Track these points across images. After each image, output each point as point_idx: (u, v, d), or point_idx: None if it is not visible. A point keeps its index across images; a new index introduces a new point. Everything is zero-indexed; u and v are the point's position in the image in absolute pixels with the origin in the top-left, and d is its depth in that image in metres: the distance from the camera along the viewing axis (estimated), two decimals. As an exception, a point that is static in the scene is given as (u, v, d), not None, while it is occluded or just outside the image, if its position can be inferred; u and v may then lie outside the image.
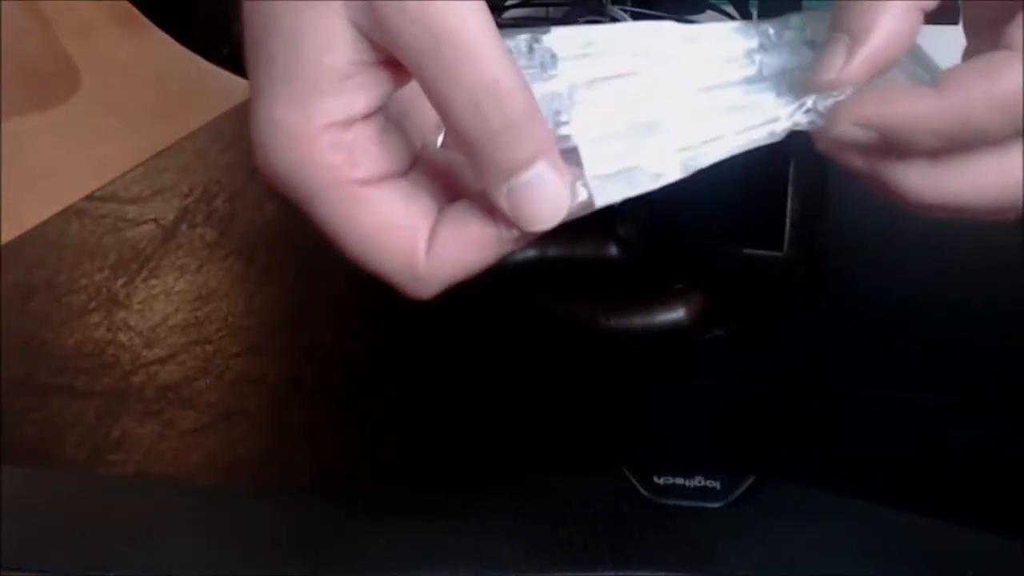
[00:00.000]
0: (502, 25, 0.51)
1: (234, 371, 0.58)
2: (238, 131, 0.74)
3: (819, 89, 0.37)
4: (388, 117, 0.37)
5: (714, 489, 0.48)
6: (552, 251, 0.59)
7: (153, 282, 0.63)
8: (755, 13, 0.48)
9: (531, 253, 0.59)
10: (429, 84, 0.34)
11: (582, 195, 0.36)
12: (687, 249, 0.59)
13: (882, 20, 0.37)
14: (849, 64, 0.37)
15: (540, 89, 0.37)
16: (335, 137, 0.35)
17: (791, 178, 0.52)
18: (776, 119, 0.39)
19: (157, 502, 0.50)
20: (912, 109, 0.35)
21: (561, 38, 0.38)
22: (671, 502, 0.47)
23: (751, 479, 0.48)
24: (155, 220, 0.68)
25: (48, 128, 0.76)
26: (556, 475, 0.49)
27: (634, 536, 0.46)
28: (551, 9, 0.52)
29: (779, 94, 0.39)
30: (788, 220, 0.57)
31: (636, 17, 0.46)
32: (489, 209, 0.36)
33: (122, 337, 0.60)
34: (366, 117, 0.36)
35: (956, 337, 0.56)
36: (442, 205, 0.37)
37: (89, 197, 0.70)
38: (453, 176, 0.38)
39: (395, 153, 0.37)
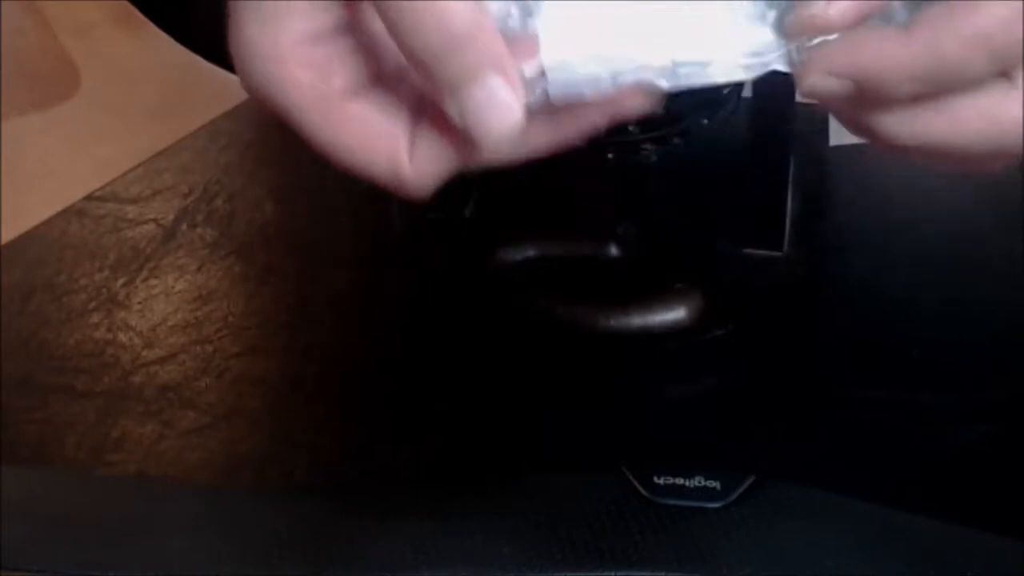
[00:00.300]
0: None
1: (234, 371, 0.58)
2: (238, 131, 0.74)
3: (801, 28, 0.35)
4: (365, 36, 0.38)
5: (714, 489, 0.48)
6: (552, 251, 0.59)
7: (153, 282, 0.63)
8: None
9: (531, 253, 0.59)
10: (379, 7, 0.35)
11: (538, 89, 0.35)
12: (687, 249, 0.59)
13: None
14: (833, 4, 0.34)
15: None
16: (305, 53, 0.36)
17: (791, 178, 0.52)
18: (761, 53, 0.36)
19: (157, 502, 0.50)
20: (882, 53, 0.34)
21: None
22: (671, 502, 0.47)
23: (751, 479, 0.48)
24: (155, 220, 0.68)
25: (48, 128, 0.76)
26: (556, 475, 0.49)
27: (634, 536, 0.46)
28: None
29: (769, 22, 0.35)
30: (788, 220, 0.57)
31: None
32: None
33: (122, 337, 0.60)
34: (335, 33, 0.37)
35: (955, 337, 0.56)
36: (415, 114, 0.37)
37: (89, 197, 0.70)
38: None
39: (367, 66, 0.38)
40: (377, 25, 0.37)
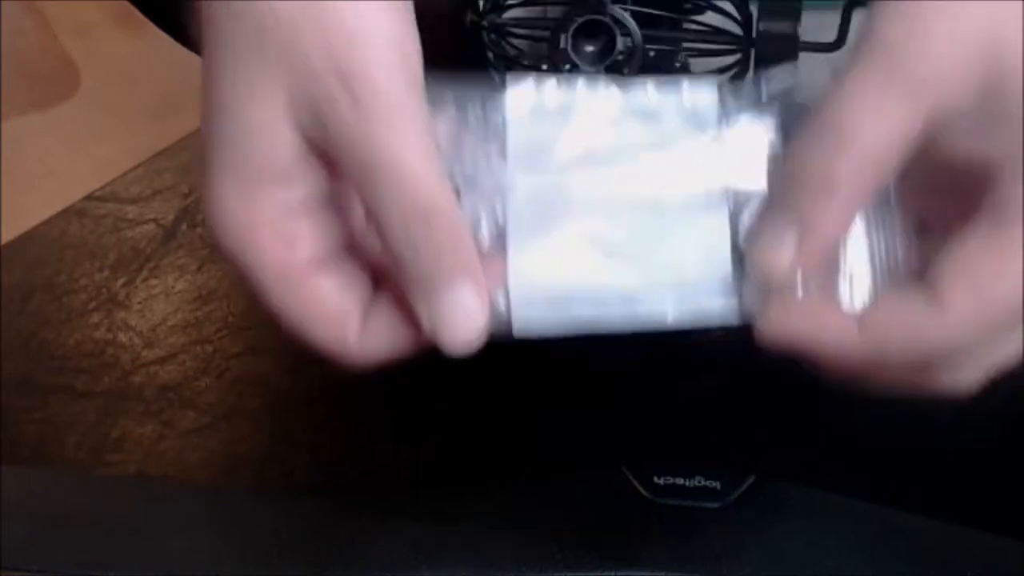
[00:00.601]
0: (502, 26, 0.51)
1: (234, 371, 0.58)
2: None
3: (767, 271, 0.38)
4: (327, 196, 0.39)
5: (714, 489, 0.48)
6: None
7: (153, 282, 0.63)
8: (755, 13, 0.48)
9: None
10: (366, 199, 0.36)
11: (500, 308, 0.37)
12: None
13: (837, 214, 0.37)
14: (800, 255, 0.37)
15: (484, 180, 0.38)
16: (275, 225, 0.37)
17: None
18: (715, 307, 0.38)
19: (157, 502, 0.50)
20: (836, 342, 0.37)
21: (515, 97, 0.39)
22: (671, 502, 0.47)
23: (751, 479, 0.48)
24: (155, 220, 0.68)
25: (48, 128, 0.76)
26: (556, 475, 0.49)
27: (634, 536, 0.46)
28: (549, 8, 0.52)
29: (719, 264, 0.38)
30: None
31: (636, 16, 0.46)
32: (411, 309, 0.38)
33: (122, 337, 0.60)
34: (307, 205, 0.38)
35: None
36: (375, 284, 0.39)
37: (89, 197, 0.70)
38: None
39: (331, 236, 0.39)
40: (354, 198, 0.39)
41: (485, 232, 0.38)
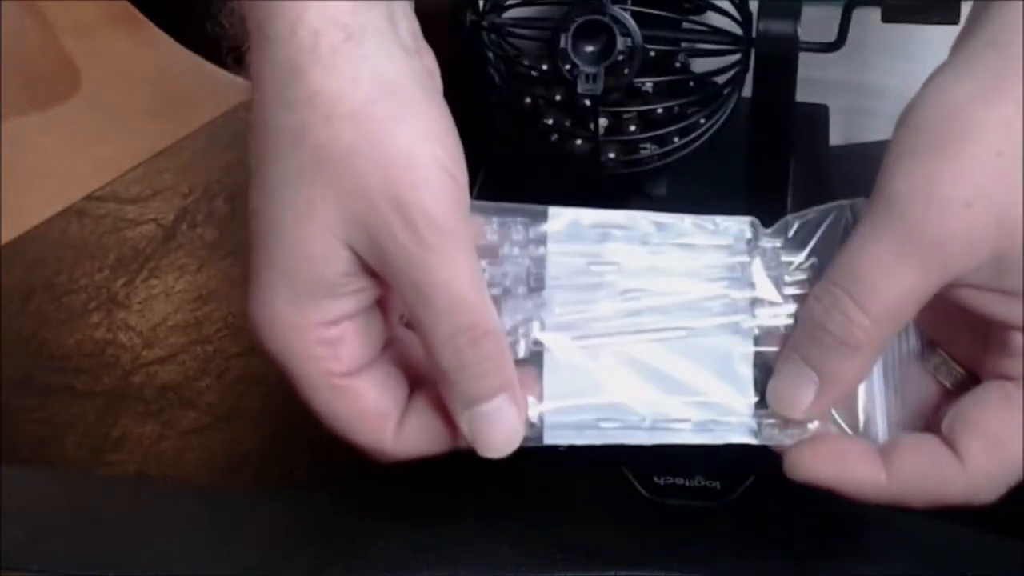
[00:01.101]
0: (502, 26, 0.51)
1: (234, 371, 0.58)
2: (238, 131, 0.74)
3: (786, 415, 0.41)
4: (371, 305, 0.42)
5: (714, 489, 0.47)
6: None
7: (153, 282, 0.63)
8: (755, 14, 0.48)
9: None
10: (416, 318, 0.39)
11: (533, 418, 0.41)
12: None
13: (854, 370, 0.40)
14: (817, 405, 0.40)
15: (521, 295, 0.42)
16: (322, 333, 0.40)
17: (791, 178, 0.52)
18: (735, 428, 0.42)
19: (157, 502, 0.50)
20: (861, 482, 0.40)
21: (556, 219, 0.42)
22: (671, 502, 0.47)
23: (751, 479, 0.48)
24: (155, 220, 0.68)
25: (48, 128, 0.76)
26: (556, 475, 0.49)
27: (634, 536, 0.46)
28: (549, 8, 0.52)
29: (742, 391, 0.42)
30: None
31: (636, 16, 0.46)
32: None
33: (122, 337, 0.60)
34: (355, 314, 0.40)
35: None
36: (413, 383, 0.42)
37: (89, 197, 0.70)
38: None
39: (373, 341, 0.41)
40: (394, 304, 0.42)
41: (522, 344, 0.42)
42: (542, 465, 0.49)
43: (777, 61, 0.48)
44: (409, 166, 0.38)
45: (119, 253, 0.65)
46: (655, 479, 0.48)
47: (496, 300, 0.41)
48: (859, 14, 0.48)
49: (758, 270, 0.42)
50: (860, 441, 0.41)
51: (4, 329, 0.60)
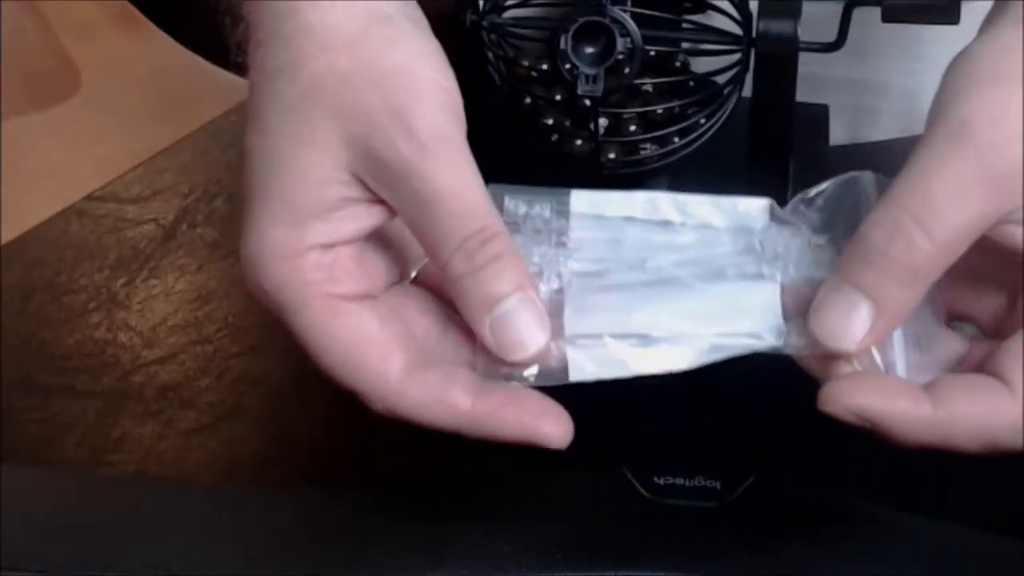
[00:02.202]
0: (502, 25, 0.51)
1: (234, 371, 0.58)
2: (238, 131, 0.74)
3: (834, 348, 0.39)
4: (382, 237, 0.41)
5: (714, 489, 0.48)
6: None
7: (153, 282, 0.63)
8: (755, 14, 0.48)
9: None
10: (421, 230, 0.39)
11: (555, 356, 0.40)
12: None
13: (911, 299, 0.39)
14: (872, 334, 0.39)
15: (542, 270, 0.42)
16: (319, 256, 0.39)
17: (791, 178, 0.52)
18: (760, 337, 0.41)
19: (157, 502, 0.50)
20: (907, 416, 0.38)
21: (578, 198, 0.43)
22: (671, 502, 0.47)
23: (751, 479, 0.48)
24: (155, 220, 0.68)
25: (48, 128, 0.76)
26: (556, 475, 0.49)
27: (634, 536, 0.46)
28: (549, 8, 0.52)
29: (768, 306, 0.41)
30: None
31: (636, 17, 0.46)
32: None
33: (122, 337, 0.60)
34: (348, 245, 0.40)
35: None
36: (429, 332, 0.41)
37: (89, 197, 0.70)
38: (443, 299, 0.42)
39: (375, 274, 0.41)
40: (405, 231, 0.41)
41: (543, 289, 0.41)
42: (542, 465, 0.49)
43: (777, 61, 0.48)
44: (406, 80, 0.39)
45: (119, 253, 0.65)
46: (655, 479, 0.48)
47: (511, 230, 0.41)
48: (861, 11, 0.48)
49: (778, 245, 0.42)
50: (901, 377, 0.40)
51: (4, 329, 0.60)
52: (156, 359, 0.59)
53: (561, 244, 0.42)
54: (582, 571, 0.43)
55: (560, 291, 0.41)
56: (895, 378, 0.40)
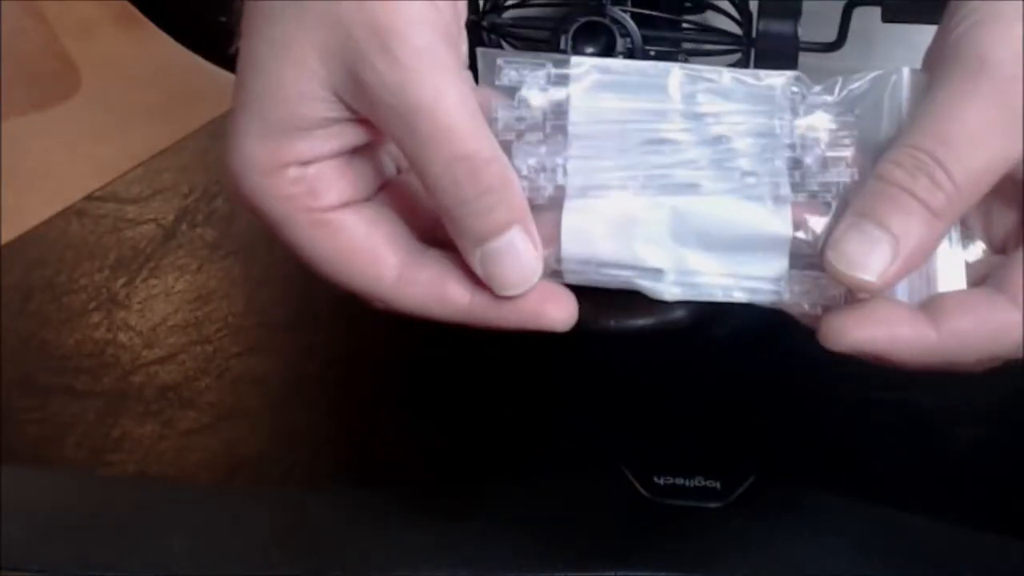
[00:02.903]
0: (502, 25, 0.51)
1: (234, 371, 0.58)
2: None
3: (852, 285, 0.37)
4: (355, 158, 0.40)
5: (714, 489, 0.48)
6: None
7: (153, 282, 0.63)
8: (755, 13, 0.48)
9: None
10: (407, 153, 0.37)
11: (552, 266, 0.38)
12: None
13: (934, 238, 0.37)
14: (896, 271, 0.37)
15: (535, 148, 0.39)
16: (297, 172, 0.38)
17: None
18: (778, 290, 0.39)
19: (157, 502, 0.50)
20: (910, 343, 0.37)
21: (579, 67, 0.39)
22: (671, 502, 0.47)
23: (751, 479, 0.48)
24: (155, 220, 0.68)
25: (48, 128, 0.76)
26: (556, 475, 0.49)
27: (634, 536, 0.46)
28: (549, 8, 0.52)
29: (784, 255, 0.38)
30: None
31: (636, 17, 0.46)
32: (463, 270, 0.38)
33: (122, 337, 0.60)
34: (330, 160, 0.38)
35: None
36: (416, 230, 0.40)
37: (89, 197, 0.70)
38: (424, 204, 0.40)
39: (358, 183, 0.39)
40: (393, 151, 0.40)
41: (538, 190, 0.38)
42: (542, 465, 0.49)
43: (777, 61, 0.48)
44: None
45: (119, 253, 0.65)
46: (655, 479, 0.48)
47: (507, 145, 0.38)
48: (861, 10, 0.48)
49: (801, 126, 0.39)
50: (899, 302, 0.38)
51: (4, 329, 0.60)
52: (156, 359, 0.59)
53: (560, 128, 0.39)
54: (582, 571, 0.43)
55: (560, 188, 0.38)
56: (892, 303, 0.38)
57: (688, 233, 0.38)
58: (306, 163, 0.38)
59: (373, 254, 0.39)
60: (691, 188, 0.38)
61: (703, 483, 0.48)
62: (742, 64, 0.49)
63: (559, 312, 0.38)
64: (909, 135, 0.37)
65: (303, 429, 0.54)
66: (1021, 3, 0.37)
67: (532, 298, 0.38)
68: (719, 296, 0.39)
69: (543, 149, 0.39)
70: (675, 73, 0.39)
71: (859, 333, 0.37)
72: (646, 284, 0.38)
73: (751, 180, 0.38)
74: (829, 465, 0.50)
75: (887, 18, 0.47)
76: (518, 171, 0.38)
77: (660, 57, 0.52)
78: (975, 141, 0.36)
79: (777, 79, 0.39)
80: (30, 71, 0.81)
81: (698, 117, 0.39)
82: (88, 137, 0.75)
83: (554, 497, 0.48)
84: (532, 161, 0.38)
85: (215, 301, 0.62)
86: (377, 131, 0.38)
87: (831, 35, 0.48)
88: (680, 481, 0.48)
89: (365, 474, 0.52)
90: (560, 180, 0.38)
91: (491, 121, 0.38)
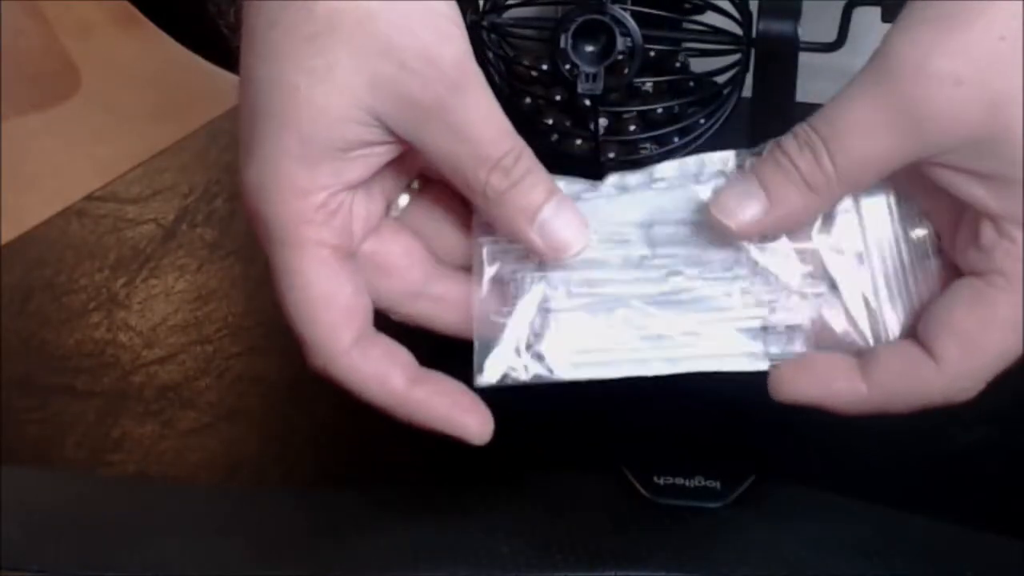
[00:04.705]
0: (502, 25, 0.51)
1: (234, 371, 0.58)
2: (238, 131, 0.74)
3: (722, 227, 0.41)
4: (366, 185, 0.42)
5: (714, 489, 0.48)
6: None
7: (153, 282, 0.63)
8: (755, 14, 0.48)
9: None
10: (453, 164, 0.40)
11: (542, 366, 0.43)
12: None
13: (803, 208, 0.40)
14: (758, 223, 0.41)
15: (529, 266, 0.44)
16: (326, 199, 0.40)
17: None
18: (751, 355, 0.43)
19: (157, 502, 0.50)
20: (843, 396, 0.41)
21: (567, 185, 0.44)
22: (671, 502, 0.47)
23: (751, 479, 0.48)
24: (155, 220, 0.68)
25: (48, 128, 0.76)
26: (556, 475, 0.49)
27: (634, 536, 0.46)
28: (549, 8, 0.52)
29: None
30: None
31: (636, 16, 0.46)
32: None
33: (122, 337, 0.60)
34: (354, 186, 0.41)
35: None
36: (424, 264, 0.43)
37: (89, 197, 0.70)
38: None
39: (366, 221, 0.42)
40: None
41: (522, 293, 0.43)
42: (542, 465, 0.49)
43: (777, 61, 0.48)
44: (430, 21, 0.40)
45: (119, 253, 0.65)
46: (655, 479, 0.48)
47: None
48: (861, 10, 0.48)
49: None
50: (840, 356, 0.42)
51: (4, 329, 0.60)
52: (156, 359, 0.59)
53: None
54: (582, 571, 0.43)
55: (546, 300, 0.43)
56: (833, 358, 0.42)
57: (667, 338, 0.43)
58: (334, 189, 0.40)
59: (345, 316, 0.41)
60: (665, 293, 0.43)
61: (703, 483, 0.48)
62: (742, 64, 0.49)
63: (477, 425, 0.42)
64: (814, 115, 0.40)
65: (303, 429, 0.54)
66: (944, 9, 0.38)
67: (459, 406, 0.42)
68: (702, 367, 0.43)
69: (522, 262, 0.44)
70: (612, 180, 0.45)
71: (798, 386, 0.42)
72: (633, 368, 0.43)
73: (717, 275, 0.43)
74: (829, 465, 0.50)
75: (887, 18, 0.47)
76: None
77: (660, 56, 0.52)
78: (859, 132, 0.39)
79: (717, 159, 0.43)
80: (30, 71, 0.81)
81: (652, 215, 0.44)
82: (88, 137, 0.75)
83: (554, 497, 0.48)
84: (517, 275, 0.44)
85: (215, 301, 0.62)
86: (388, 156, 0.41)
87: (831, 35, 0.48)
88: (680, 481, 0.48)
89: (365, 474, 0.52)
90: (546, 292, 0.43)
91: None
